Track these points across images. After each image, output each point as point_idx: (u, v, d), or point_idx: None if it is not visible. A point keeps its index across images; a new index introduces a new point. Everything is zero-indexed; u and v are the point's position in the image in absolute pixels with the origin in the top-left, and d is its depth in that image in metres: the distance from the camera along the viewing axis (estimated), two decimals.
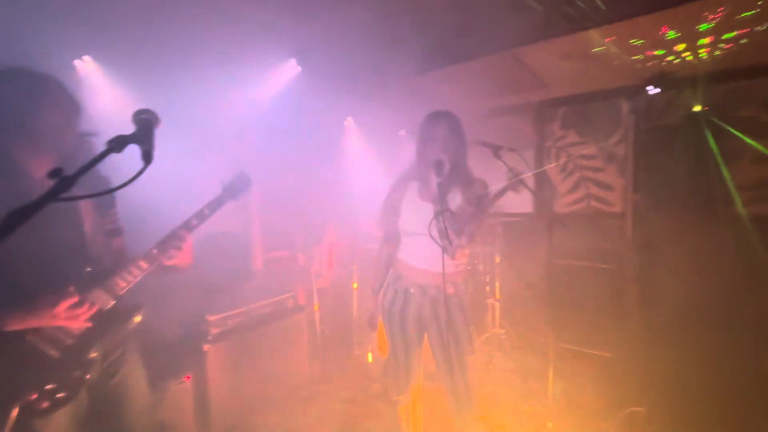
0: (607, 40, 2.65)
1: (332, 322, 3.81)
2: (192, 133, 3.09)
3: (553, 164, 3.77)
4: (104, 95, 2.66)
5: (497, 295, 3.48)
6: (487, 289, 3.58)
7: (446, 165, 1.55)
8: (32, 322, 1.14)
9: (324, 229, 4.14)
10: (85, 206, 1.33)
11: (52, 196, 0.66)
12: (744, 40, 2.62)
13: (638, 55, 2.83)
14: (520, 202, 3.78)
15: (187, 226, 1.43)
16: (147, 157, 0.82)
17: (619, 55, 2.83)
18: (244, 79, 3.10)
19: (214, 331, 2.76)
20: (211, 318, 2.79)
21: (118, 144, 0.80)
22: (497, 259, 3.52)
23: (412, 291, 1.76)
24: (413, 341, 1.79)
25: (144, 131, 0.87)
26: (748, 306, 2.67)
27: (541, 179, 3.83)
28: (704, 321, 2.78)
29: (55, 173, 0.69)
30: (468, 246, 1.64)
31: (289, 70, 3.13)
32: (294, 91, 3.22)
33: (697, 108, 3.07)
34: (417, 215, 1.69)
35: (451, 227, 1.55)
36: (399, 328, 1.78)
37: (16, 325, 1.12)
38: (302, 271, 3.87)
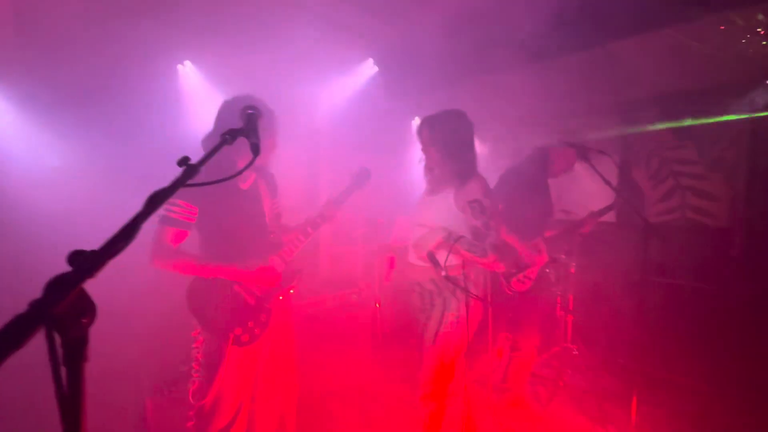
0: (720, 28, 2.43)
1: (392, 322, 3.94)
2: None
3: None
4: (201, 96, 3.06)
5: (570, 308, 3.34)
6: (559, 300, 3.45)
7: (432, 169, 1.82)
8: (239, 278, 1.59)
9: (389, 228, 4.28)
10: (265, 192, 1.76)
11: (182, 182, 0.74)
12: None
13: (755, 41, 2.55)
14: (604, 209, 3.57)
15: (336, 202, 1.84)
16: (255, 150, 0.93)
17: (730, 37, 2.55)
18: (323, 80, 3.34)
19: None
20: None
21: (231, 137, 0.89)
22: (572, 270, 3.38)
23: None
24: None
25: (251, 125, 0.96)
26: None
27: (627, 185, 3.59)
28: None
29: (182, 161, 0.78)
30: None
31: (366, 70, 3.31)
32: (369, 92, 3.39)
33: None
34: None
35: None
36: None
37: (229, 278, 1.58)
38: (366, 269, 4.04)
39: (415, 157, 4.23)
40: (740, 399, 2.68)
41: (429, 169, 1.90)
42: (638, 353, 3.13)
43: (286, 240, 1.78)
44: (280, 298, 1.73)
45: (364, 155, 3.80)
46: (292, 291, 1.78)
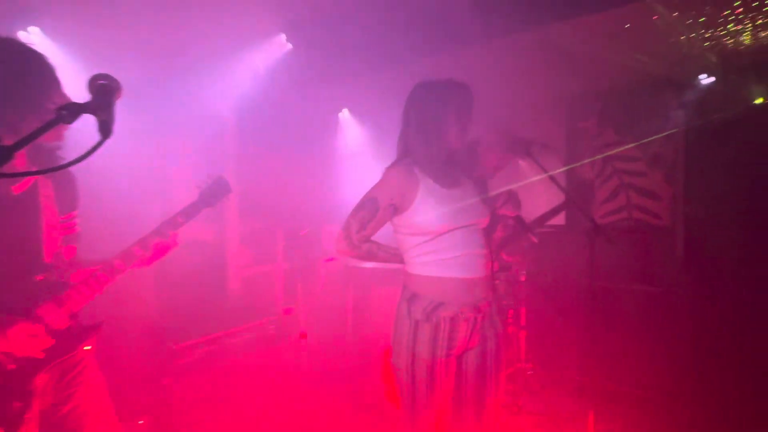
0: (654, 18, 2.56)
1: (324, 353, 3.59)
2: (162, 118, 2.93)
3: (584, 162, 3.63)
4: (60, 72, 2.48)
5: (522, 323, 3.28)
6: (511, 313, 3.38)
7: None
8: None
9: (312, 241, 3.95)
10: (46, 203, 1.28)
11: None
12: None
13: (692, 33, 2.72)
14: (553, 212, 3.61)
15: (160, 234, 1.45)
16: (105, 130, 0.80)
17: (665, 35, 2.72)
18: (224, 56, 2.96)
19: (179, 361, 2.52)
20: (176, 346, 2.58)
21: (69, 113, 0.78)
22: (523, 278, 3.33)
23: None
24: None
25: (101, 99, 0.85)
26: None
27: (574, 185, 3.67)
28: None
29: None
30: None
31: (277, 47, 2.99)
32: (282, 74, 3.07)
33: (760, 100, 2.96)
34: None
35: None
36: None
37: None
38: (288, 291, 3.67)
39: (345, 154, 3.95)
40: (695, 407, 2.78)
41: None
42: (591, 366, 3.14)
43: (76, 279, 1.30)
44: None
45: (278, 153, 3.45)
46: (88, 347, 1.31)
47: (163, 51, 2.78)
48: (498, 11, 2.54)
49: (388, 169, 1.52)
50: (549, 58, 3.01)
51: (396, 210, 1.48)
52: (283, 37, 2.91)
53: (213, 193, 1.62)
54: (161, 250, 1.46)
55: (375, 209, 1.48)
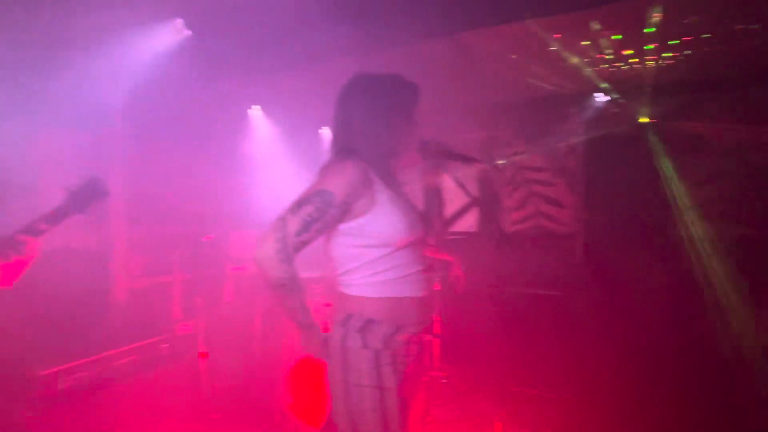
0: (555, 36, 2.75)
1: (227, 374, 3.28)
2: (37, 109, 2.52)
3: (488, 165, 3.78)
4: None
5: (437, 330, 3.29)
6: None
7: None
8: None
9: (218, 248, 3.64)
10: None
11: None
12: (688, 52, 2.89)
13: (586, 57, 2.97)
14: (464, 219, 3.71)
15: (12, 246, 1.30)
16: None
17: (568, 56, 2.95)
18: (113, 36, 2.61)
19: (48, 391, 2.32)
20: (44, 372, 2.22)
21: None
22: (437, 286, 3.36)
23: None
24: None
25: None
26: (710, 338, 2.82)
27: (486, 193, 3.81)
28: (661, 357, 2.88)
29: None
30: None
31: (173, 34, 2.70)
32: (181, 64, 2.78)
33: (644, 120, 3.31)
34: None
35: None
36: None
37: None
38: (186, 305, 3.32)
39: (255, 154, 3.70)
40: (589, 404, 2.97)
41: None
42: (503, 370, 3.25)
43: None
44: None
45: (177, 152, 3.13)
46: None
47: (38, 29, 2.39)
48: (419, 15, 2.53)
49: (339, 162, 1.25)
50: (468, 66, 3.10)
51: (347, 213, 1.22)
52: (180, 22, 2.63)
53: (84, 197, 1.48)
54: (15, 267, 1.26)
55: (327, 205, 1.18)
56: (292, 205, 1.18)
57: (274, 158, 3.83)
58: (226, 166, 3.55)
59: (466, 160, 1.44)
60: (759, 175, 3.03)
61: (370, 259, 1.24)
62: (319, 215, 1.18)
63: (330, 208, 1.19)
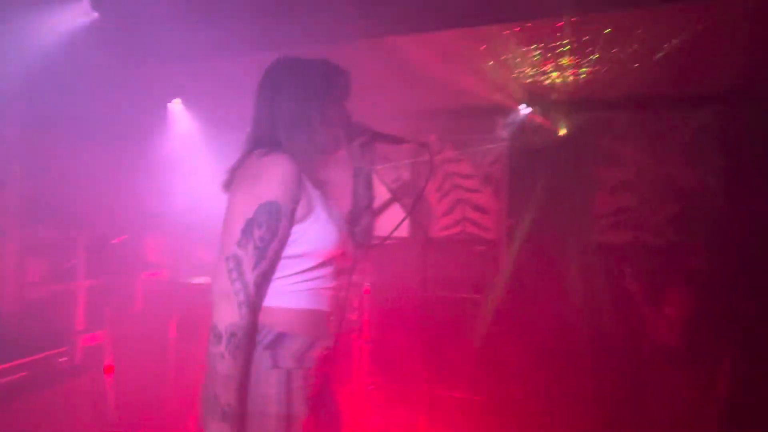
0: (481, 48, 2.88)
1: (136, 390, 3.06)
2: None
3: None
4: None
5: (366, 336, 3.30)
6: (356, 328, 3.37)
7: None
8: None
9: (131, 252, 3.40)
10: None
11: None
12: (597, 72, 3.14)
13: (510, 70, 3.14)
14: (394, 223, 3.75)
15: None
16: None
17: (494, 68, 3.10)
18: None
19: None
20: None
21: None
22: (367, 290, 3.37)
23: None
24: None
25: None
26: (618, 346, 3.07)
27: (417, 198, 3.90)
28: (579, 357, 3.10)
29: None
30: None
31: (78, 15, 2.48)
32: (85, 49, 2.55)
33: (562, 132, 3.57)
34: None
35: None
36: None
37: None
38: (91, 314, 3.06)
39: (174, 151, 3.46)
40: (508, 405, 3.13)
41: None
42: (429, 374, 3.33)
43: None
44: None
45: (83, 147, 2.87)
46: None
47: None
48: (349, 14, 2.52)
49: (264, 159, 1.06)
50: (396, 70, 3.14)
51: (292, 220, 1.06)
52: (86, 2, 2.42)
53: None
54: None
55: (276, 219, 1.01)
56: (233, 236, 0.99)
57: (195, 156, 3.62)
58: (140, 163, 3.31)
59: (395, 140, 1.32)
60: (659, 186, 3.39)
61: (300, 269, 1.10)
62: (272, 235, 1.01)
63: (280, 221, 1.02)
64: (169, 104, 3.64)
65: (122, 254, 3.24)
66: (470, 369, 3.40)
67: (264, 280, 1.04)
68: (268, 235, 1.00)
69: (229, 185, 1.12)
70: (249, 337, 1.00)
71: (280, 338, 1.07)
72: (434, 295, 3.62)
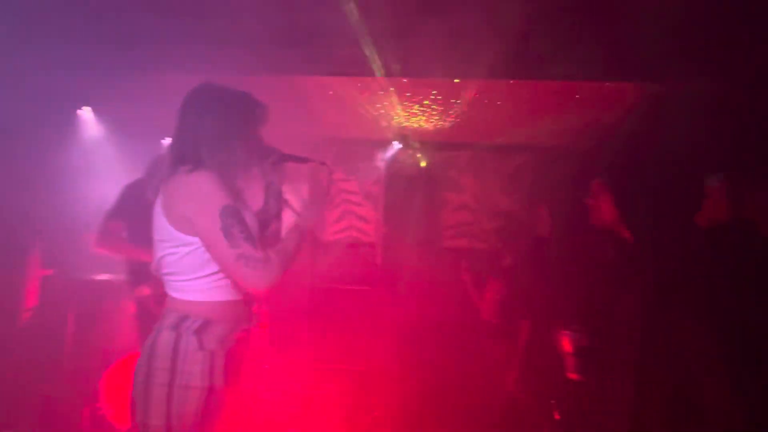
0: (363, 95, 3.18)
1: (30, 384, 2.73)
2: None
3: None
4: None
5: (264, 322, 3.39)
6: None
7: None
8: None
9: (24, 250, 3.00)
10: None
11: None
12: (448, 122, 3.72)
13: (389, 115, 3.56)
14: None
15: None
16: None
17: (375, 111, 3.48)
18: None
19: None
20: None
21: None
22: None
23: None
24: None
25: None
26: (457, 322, 3.61)
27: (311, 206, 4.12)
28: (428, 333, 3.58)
29: None
30: None
31: None
32: None
33: (423, 164, 4.18)
34: None
35: None
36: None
37: None
38: None
39: (82, 160, 3.15)
40: (385, 373, 3.50)
41: None
42: (321, 351, 3.54)
43: None
44: None
45: None
46: None
47: None
48: (260, 53, 2.52)
49: (193, 175, 1.13)
50: (300, 102, 3.27)
51: None
52: None
53: None
54: None
55: (238, 215, 1.12)
56: (223, 246, 1.09)
57: (103, 166, 3.31)
58: (40, 170, 2.92)
59: (301, 159, 1.42)
60: (488, 206, 4.13)
61: (212, 268, 1.17)
62: (245, 226, 1.11)
63: (242, 213, 1.13)
64: (78, 111, 3.28)
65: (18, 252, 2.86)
66: (353, 344, 3.67)
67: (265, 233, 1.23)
68: (243, 227, 1.11)
69: (155, 195, 1.19)
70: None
71: (205, 325, 1.15)
72: (326, 287, 3.84)
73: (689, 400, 1.80)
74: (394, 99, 3.26)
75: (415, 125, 3.79)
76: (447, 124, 3.73)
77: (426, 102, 3.31)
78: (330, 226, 4.18)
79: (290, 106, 3.08)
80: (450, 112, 3.50)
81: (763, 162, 2.04)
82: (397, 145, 4.03)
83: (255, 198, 1.37)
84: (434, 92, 3.12)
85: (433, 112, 3.50)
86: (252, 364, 1.48)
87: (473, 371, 3.21)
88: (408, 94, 3.19)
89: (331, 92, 3.16)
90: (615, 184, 1.96)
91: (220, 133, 1.19)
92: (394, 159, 4.13)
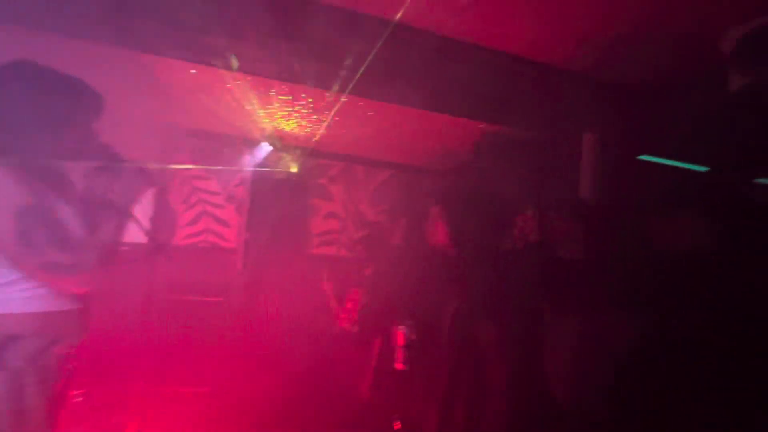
0: (228, 85, 2.95)
1: None
2: None
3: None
4: None
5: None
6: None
7: None
8: None
9: None
10: None
11: None
12: (321, 131, 3.72)
13: (260, 114, 3.36)
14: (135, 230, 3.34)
15: None
16: None
17: (245, 108, 3.24)
18: None
19: None
20: None
21: None
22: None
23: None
24: None
25: None
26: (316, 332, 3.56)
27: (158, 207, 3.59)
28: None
29: None
30: None
31: None
32: None
33: (294, 170, 4.03)
34: None
35: None
36: None
37: None
38: None
39: None
40: (235, 395, 3.20)
41: None
42: (153, 373, 3.07)
43: None
44: None
45: None
46: None
47: None
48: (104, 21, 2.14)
49: None
50: (154, 87, 2.88)
51: None
52: None
53: None
54: None
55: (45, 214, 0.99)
56: (26, 248, 0.95)
57: None
58: None
59: (123, 162, 1.29)
60: (354, 217, 4.23)
61: (14, 274, 1.01)
62: (54, 229, 1.01)
63: (54, 213, 1.02)
64: None
65: None
66: (200, 365, 3.30)
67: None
68: (50, 230, 1.00)
69: None
70: None
71: (8, 341, 0.99)
72: (173, 298, 3.39)
73: (482, 381, 2.13)
74: (271, 100, 3.11)
75: (288, 129, 3.65)
76: (320, 133, 3.70)
77: (300, 108, 3.23)
78: (182, 228, 3.70)
79: (152, 92, 2.68)
80: (323, 122, 3.50)
81: (564, 197, 2.57)
82: (267, 147, 3.82)
83: (83, 201, 1.19)
84: (310, 100, 3.06)
85: (307, 120, 3.44)
86: (76, 385, 1.25)
87: (330, 382, 3.20)
88: (286, 98, 3.07)
89: (200, 82, 2.83)
90: (450, 210, 2.24)
91: (32, 121, 1.02)
92: (264, 161, 3.90)
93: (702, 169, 2.73)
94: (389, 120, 3.26)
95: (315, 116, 3.37)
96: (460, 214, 2.21)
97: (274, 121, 3.55)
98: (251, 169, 3.89)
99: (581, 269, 2.21)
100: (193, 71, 2.66)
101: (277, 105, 3.21)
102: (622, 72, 2.31)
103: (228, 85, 2.93)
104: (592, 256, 2.18)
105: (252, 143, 3.84)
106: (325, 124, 3.51)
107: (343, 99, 2.94)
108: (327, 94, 2.78)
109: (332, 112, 3.19)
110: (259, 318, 3.49)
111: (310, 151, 4.00)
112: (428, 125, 3.23)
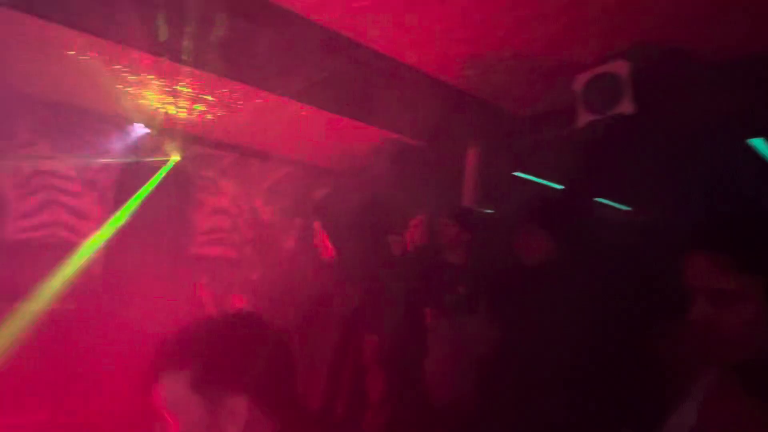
0: (90, 54, 2.48)
1: None
2: None
3: None
4: None
5: None
6: None
7: None
8: None
9: None
10: None
11: None
12: (209, 116, 3.33)
13: (126, 86, 2.85)
14: None
15: None
16: None
17: (113, 80, 2.73)
18: None
19: None
20: None
21: None
22: None
23: None
24: None
25: None
26: None
27: None
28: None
29: None
30: None
31: None
32: None
33: (176, 158, 3.54)
34: None
35: None
36: None
37: None
38: None
39: None
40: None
41: None
42: None
43: None
44: None
45: None
46: None
47: None
48: None
49: None
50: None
51: None
52: None
53: None
54: None
55: None
56: None
57: None
58: None
59: None
60: (245, 214, 3.90)
61: None
62: None
63: None
64: None
65: None
66: (33, 388, 2.69)
67: None
68: None
69: None
70: None
71: None
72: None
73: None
74: (151, 76, 2.65)
75: (173, 112, 3.17)
76: (207, 119, 3.29)
77: (186, 89, 2.82)
78: (14, 220, 2.97)
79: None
80: (213, 107, 3.12)
81: (454, 204, 2.69)
82: (141, 129, 3.28)
83: None
84: (189, 80, 2.69)
85: (194, 103, 3.03)
86: None
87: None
88: (171, 80, 2.65)
89: (71, 51, 2.29)
90: (333, 223, 2.20)
91: None
92: (136, 145, 3.34)
93: (558, 187, 3.13)
94: (285, 112, 3.05)
95: (198, 98, 2.98)
96: (344, 226, 2.16)
97: (147, 99, 3.05)
98: (120, 153, 3.30)
99: (463, 273, 2.32)
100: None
101: (156, 82, 2.77)
102: (502, 95, 2.50)
103: (89, 52, 2.44)
104: (470, 260, 2.30)
105: (120, 124, 3.26)
106: (214, 110, 3.14)
107: (223, 82, 2.64)
108: (204, 75, 2.47)
109: (214, 96, 2.86)
110: (115, 330, 2.97)
111: (196, 139, 3.55)
112: (329, 124, 3.11)
